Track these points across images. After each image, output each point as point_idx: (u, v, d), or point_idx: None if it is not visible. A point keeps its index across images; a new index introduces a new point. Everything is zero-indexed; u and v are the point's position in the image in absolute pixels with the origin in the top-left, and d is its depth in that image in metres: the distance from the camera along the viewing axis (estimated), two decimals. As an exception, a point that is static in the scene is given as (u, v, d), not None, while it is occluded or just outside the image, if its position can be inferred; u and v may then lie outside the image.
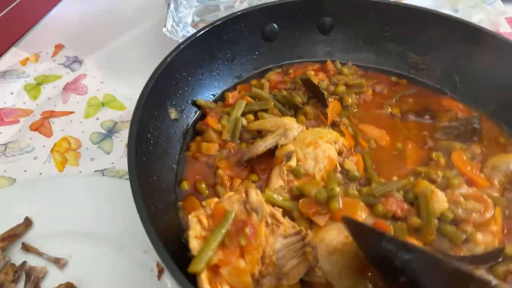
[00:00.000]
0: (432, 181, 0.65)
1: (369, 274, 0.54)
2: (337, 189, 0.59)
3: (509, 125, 0.78)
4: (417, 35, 0.88)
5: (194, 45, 0.75)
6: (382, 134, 0.77)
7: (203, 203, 0.54)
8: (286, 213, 0.61)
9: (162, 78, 0.68)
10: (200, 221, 0.50)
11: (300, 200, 0.61)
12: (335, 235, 0.58)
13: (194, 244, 0.48)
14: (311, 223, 0.60)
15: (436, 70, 0.88)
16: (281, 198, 0.62)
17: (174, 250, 0.52)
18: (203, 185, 0.68)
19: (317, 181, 0.64)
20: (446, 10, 1.15)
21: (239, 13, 0.81)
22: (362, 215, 0.59)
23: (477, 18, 1.11)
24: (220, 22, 0.78)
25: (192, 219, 0.50)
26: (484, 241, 0.59)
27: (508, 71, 0.76)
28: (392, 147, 0.75)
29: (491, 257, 0.59)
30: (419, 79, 0.89)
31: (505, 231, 0.62)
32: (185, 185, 0.69)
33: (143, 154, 0.60)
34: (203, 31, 0.76)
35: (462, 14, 1.13)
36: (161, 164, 0.67)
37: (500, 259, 0.59)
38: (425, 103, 0.84)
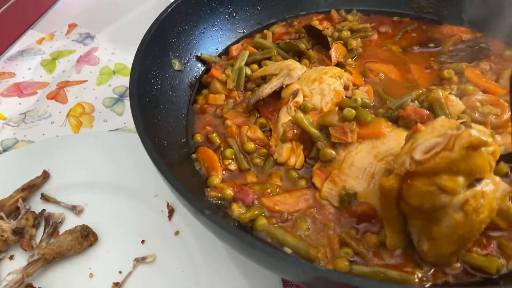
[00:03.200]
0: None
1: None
2: (359, 99, 0.60)
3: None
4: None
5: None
6: (390, 68, 0.77)
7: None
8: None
9: (163, 27, 0.69)
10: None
11: (330, 128, 0.60)
12: (363, 157, 0.58)
13: None
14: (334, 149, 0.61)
15: (443, 12, 0.86)
16: (310, 121, 0.63)
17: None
18: (214, 135, 0.68)
19: (333, 110, 0.63)
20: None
21: (238, -34, 0.82)
22: (387, 129, 0.59)
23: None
24: (219, -25, 0.79)
25: None
26: (503, 143, 0.58)
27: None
28: (403, 79, 0.75)
29: None
30: (422, 16, 0.88)
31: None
32: (198, 138, 0.69)
33: (146, 95, 0.62)
34: (201, -15, 0.77)
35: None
36: (167, 111, 0.68)
37: None
38: (428, 34, 0.84)
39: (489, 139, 0.46)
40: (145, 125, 0.55)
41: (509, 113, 0.62)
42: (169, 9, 0.71)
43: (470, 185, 0.46)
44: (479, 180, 0.46)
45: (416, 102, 0.62)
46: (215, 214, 0.43)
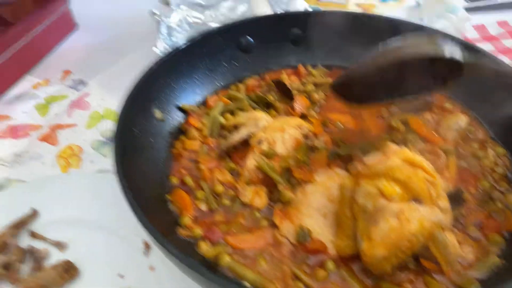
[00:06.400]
0: (394, 143, 0.74)
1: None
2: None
3: (453, 93, 0.88)
4: (377, 39, 0.98)
5: (176, 56, 0.86)
6: (347, 118, 0.87)
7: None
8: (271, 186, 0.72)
9: (147, 82, 0.79)
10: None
11: (292, 168, 0.71)
12: (318, 198, 0.68)
13: None
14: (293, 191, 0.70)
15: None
16: (272, 166, 0.72)
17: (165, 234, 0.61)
18: (188, 178, 0.76)
19: (290, 154, 0.74)
20: (413, 20, 1.26)
21: (216, 29, 0.93)
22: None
23: (440, 24, 1.21)
24: (199, 37, 0.91)
25: None
26: None
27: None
28: (358, 127, 0.85)
29: (452, 200, 0.65)
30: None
31: (457, 179, 0.72)
32: (173, 180, 0.77)
33: (128, 145, 0.70)
34: (184, 46, 0.88)
35: (427, 22, 1.23)
36: (146, 156, 0.76)
37: (461, 202, 0.68)
38: None
39: (427, 166, 0.59)
40: (124, 173, 0.64)
41: (444, 160, 0.72)
42: (153, 67, 0.81)
43: (409, 202, 0.57)
44: (417, 201, 0.57)
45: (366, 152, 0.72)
46: (181, 252, 0.51)
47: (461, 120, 0.79)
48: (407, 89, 0.65)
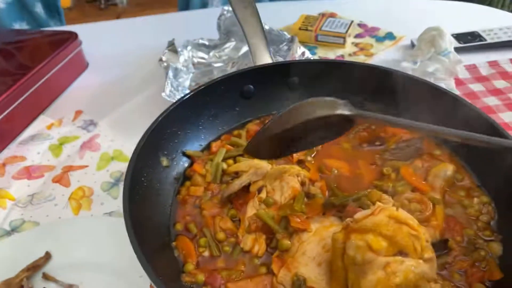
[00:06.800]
0: (385, 191, 0.80)
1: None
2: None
3: (441, 140, 0.93)
4: (373, 87, 1.04)
5: (181, 106, 0.93)
6: (342, 164, 0.92)
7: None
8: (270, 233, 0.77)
9: (154, 133, 0.85)
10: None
11: (290, 217, 0.75)
12: (313, 247, 0.72)
13: None
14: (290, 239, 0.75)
15: (389, 113, 1.03)
16: (270, 215, 0.77)
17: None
18: (192, 225, 0.82)
19: (289, 204, 0.79)
20: (407, 63, 1.33)
21: (219, 79, 1.00)
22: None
23: (432, 67, 1.28)
24: (203, 87, 0.97)
25: None
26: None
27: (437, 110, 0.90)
28: (352, 174, 0.90)
29: (439, 248, 0.71)
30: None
31: (444, 226, 0.76)
32: (179, 227, 0.82)
33: (137, 192, 0.76)
34: (188, 95, 0.94)
35: (419, 65, 1.30)
36: (153, 202, 0.82)
37: (446, 251, 0.72)
38: (376, 132, 0.99)
39: (411, 221, 0.63)
40: (132, 223, 0.69)
41: (431, 209, 0.77)
42: (160, 118, 0.87)
43: (395, 255, 0.61)
44: (403, 254, 0.61)
45: (358, 202, 0.77)
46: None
47: (448, 169, 0.84)
48: (312, 141, 0.76)
